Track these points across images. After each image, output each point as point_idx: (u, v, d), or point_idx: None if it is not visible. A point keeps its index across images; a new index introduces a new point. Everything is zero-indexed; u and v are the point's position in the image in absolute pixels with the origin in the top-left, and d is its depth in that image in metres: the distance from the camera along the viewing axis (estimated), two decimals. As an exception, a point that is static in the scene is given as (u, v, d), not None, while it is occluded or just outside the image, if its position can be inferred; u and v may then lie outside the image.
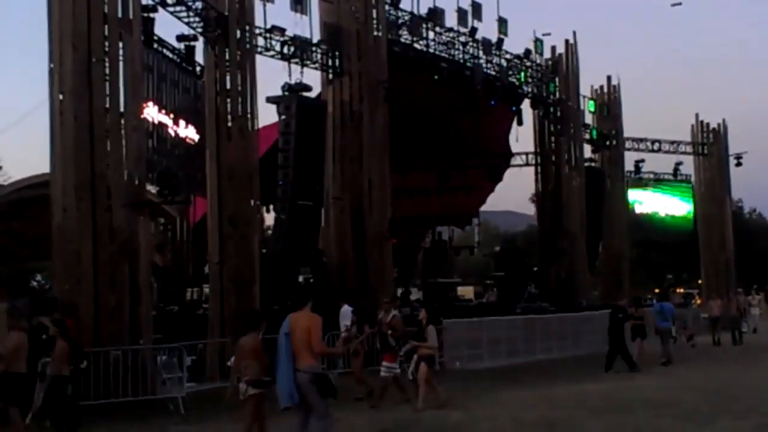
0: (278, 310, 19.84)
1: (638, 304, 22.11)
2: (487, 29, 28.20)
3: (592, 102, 34.33)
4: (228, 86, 18.93)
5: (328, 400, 8.83)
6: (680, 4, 36.84)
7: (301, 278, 23.60)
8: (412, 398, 13.38)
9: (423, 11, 25.82)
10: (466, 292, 35.30)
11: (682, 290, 37.98)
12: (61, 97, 14.63)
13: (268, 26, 21.12)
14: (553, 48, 32.24)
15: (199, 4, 18.57)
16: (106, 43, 14.73)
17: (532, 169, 33.59)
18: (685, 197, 39.28)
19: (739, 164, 38.87)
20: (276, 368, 8.75)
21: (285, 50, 21.51)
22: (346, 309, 17.48)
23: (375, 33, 23.34)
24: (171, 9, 18.25)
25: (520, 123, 30.76)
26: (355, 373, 15.30)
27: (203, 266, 21.95)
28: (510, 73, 29.58)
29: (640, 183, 37.41)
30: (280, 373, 8.67)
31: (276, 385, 8.81)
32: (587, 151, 33.94)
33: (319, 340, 8.83)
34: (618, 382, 16.82)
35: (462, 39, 27.49)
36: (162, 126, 17.89)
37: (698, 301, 39.79)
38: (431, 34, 26.41)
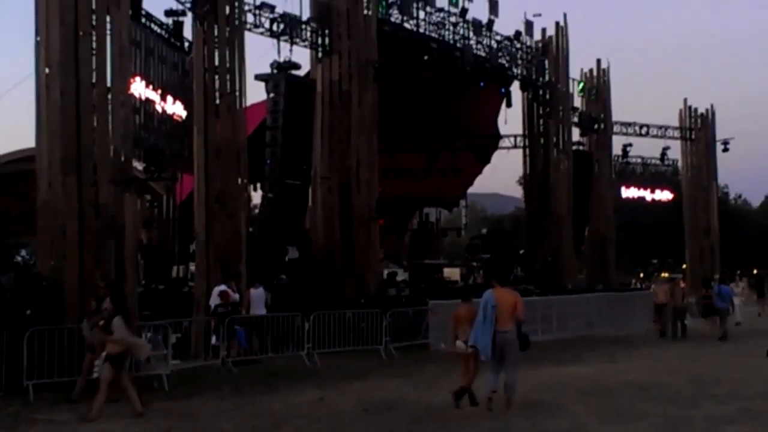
0: (275, 286, 19.91)
1: (708, 286, 24.35)
2: (478, 10, 28.12)
3: (582, 84, 34.24)
4: (216, 63, 18.78)
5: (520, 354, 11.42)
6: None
7: (288, 257, 23.59)
8: (133, 400, 11.49)
9: (414, -10, 25.66)
10: (453, 273, 35.33)
11: (666, 275, 38.08)
12: (47, 70, 14.49)
13: (258, 3, 20.96)
14: (544, 30, 32.16)
15: (188, -21, 18.40)
16: (94, 17, 14.57)
17: (520, 151, 33.55)
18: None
19: (725, 150, 38.98)
20: (476, 330, 11.29)
21: (274, 27, 21.34)
22: (216, 290, 17.06)
23: (365, 12, 23.20)
24: (159, -17, 18.09)
25: (509, 105, 30.67)
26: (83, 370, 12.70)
27: (189, 244, 21.88)
28: (500, 54, 29.49)
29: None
30: (484, 335, 11.17)
31: (477, 343, 11.29)
32: (575, 134, 33.99)
33: (523, 310, 11.43)
34: (601, 365, 16.92)
35: (452, 19, 27.35)
36: (149, 102, 17.74)
37: (683, 285, 40.02)
38: (422, 14, 26.23)
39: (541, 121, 32.18)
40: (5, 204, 24.23)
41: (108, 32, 14.78)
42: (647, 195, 38.66)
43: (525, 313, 11.54)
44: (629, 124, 37.18)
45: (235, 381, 14.62)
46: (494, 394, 11.37)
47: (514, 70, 30.46)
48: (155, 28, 18.62)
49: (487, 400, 11.37)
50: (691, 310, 30.06)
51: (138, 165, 16.87)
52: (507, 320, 11.25)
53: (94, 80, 14.53)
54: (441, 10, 26.87)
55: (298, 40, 21.99)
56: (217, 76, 18.76)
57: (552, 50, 32.18)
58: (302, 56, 22.73)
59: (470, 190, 38.02)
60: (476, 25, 28.11)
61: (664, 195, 39.40)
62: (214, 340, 16.69)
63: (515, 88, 30.96)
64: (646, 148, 38.93)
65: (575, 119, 33.73)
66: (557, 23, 32.39)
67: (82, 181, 14.29)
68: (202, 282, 18.25)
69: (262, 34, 21.27)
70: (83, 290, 14.15)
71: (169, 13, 19.00)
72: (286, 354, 17.14)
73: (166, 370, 14.08)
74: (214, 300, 16.89)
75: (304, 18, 22.21)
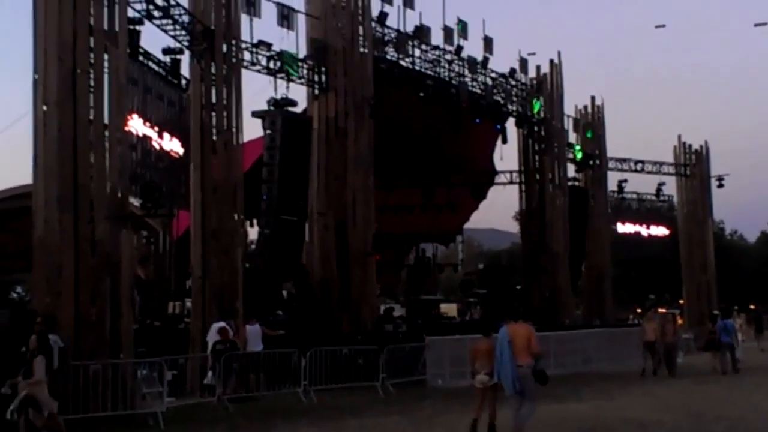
0: (272, 322, 19.87)
1: (714, 321, 24.34)
2: (473, 48, 28.42)
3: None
4: (213, 100, 18.91)
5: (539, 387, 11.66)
6: (664, 26, 37.67)
7: (284, 293, 23.56)
8: None
9: (409, 29, 25.93)
10: (449, 309, 35.24)
11: (663, 310, 37.98)
12: (45, 108, 14.51)
13: (255, 41, 21.18)
14: (538, 68, 32.46)
15: (185, 18, 18.57)
16: (92, 55, 14.66)
17: (516, 187, 33.73)
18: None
19: (720, 186, 39.14)
20: (498, 366, 11.60)
21: (271, 65, 21.52)
22: (214, 326, 16.98)
23: (361, 50, 23.41)
24: (157, 22, 18.23)
25: (504, 141, 30.87)
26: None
27: (186, 280, 21.83)
28: (495, 91, 29.72)
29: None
30: (505, 369, 11.43)
31: (500, 379, 11.61)
32: (571, 170, 34.16)
33: (537, 344, 11.65)
34: (599, 401, 16.82)
35: (448, 57, 27.62)
36: (146, 139, 17.81)
37: (680, 321, 39.96)
38: (417, 52, 26.52)
39: (537, 157, 32.36)
40: (1, 240, 24.22)
41: (106, 70, 14.85)
42: (643, 231, 38.74)
43: (538, 347, 11.74)
44: (624, 160, 37.39)
45: (231, 418, 14.49)
46: None
47: (509, 107, 30.68)
48: (153, 65, 18.76)
49: None
50: (689, 345, 29.97)
51: (135, 201, 16.88)
52: (522, 354, 11.47)
53: (91, 117, 14.56)
54: (436, 48, 27.15)
55: (294, 77, 22.16)
56: (214, 113, 18.86)
57: (546, 87, 32.45)
58: (299, 93, 22.94)
59: (466, 225, 38.09)
60: (471, 62, 28.38)
61: (660, 231, 39.48)
62: (207, 378, 16.52)
63: (510, 124, 31.21)
64: (641, 184, 39.12)
65: (570, 155, 33.92)
66: (551, 61, 32.72)
67: (79, 218, 14.26)
68: (198, 318, 18.18)
69: (258, 71, 21.47)
70: (79, 327, 14.07)
71: (166, 51, 19.16)
72: (283, 391, 17.01)
73: (161, 408, 13.96)
74: (213, 336, 16.78)
75: (301, 56, 22.40)
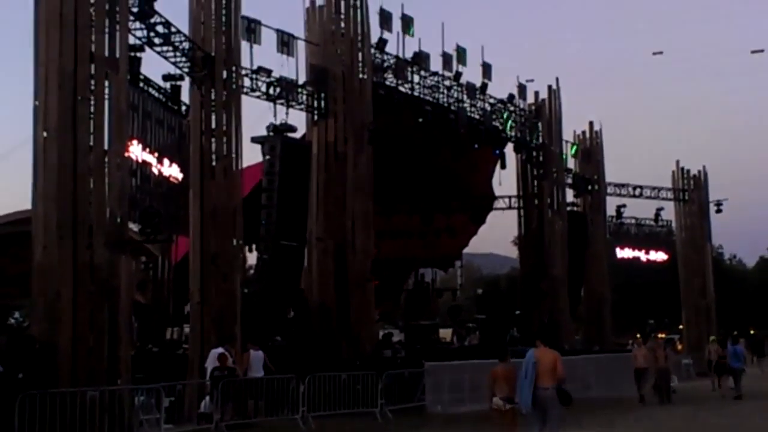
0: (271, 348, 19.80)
1: (724, 346, 24.84)
2: (472, 74, 28.57)
3: (574, 147, 34.64)
4: (213, 126, 19.00)
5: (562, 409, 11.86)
6: (661, 53, 38.06)
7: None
8: None
9: (408, 55, 26.09)
10: (448, 334, 35.11)
11: (663, 335, 37.92)
12: (45, 134, 14.59)
13: (255, 67, 21.28)
14: (537, 93, 32.63)
15: (186, 45, 18.70)
16: (92, 82, 14.74)
17: (515, 212, 33.77)
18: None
19: (719, 211, 39.23)
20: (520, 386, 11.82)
21: (271, 91, 21.63)
22: (213, 352, 16.84)
23: (360, 75, 23.53)
24: (158, 49, 18.35)
25: (503, 166, 30.93)
26: None
27: (184, 305, 21.79)
28: (494, 117, 29.85)
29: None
30: (523, 390, 11.66)
31: (518, 399, 11.83)
32: (570, 195, 34.21)
33: (563, 368, 11.85)
34: (600, 429, 16.75)
35: (446, 83, 27.76)
36: (146, 164, 17.85)
37: (679, 347, 39.88)
38: (416, 78, 26.64)
39: (536, 182, 32.43)
40: (1, 265, 24.18)
41: (106, 96, 14.93)
42: (642, 255, 38.73)
43: (564, 373, 11.90)
44: (623, 185, 37.47)
45: (229, 445, 14.42)
46: None
47: (508, 132, 30.79)
48: (153, 92, 18.85)
49: None
50: (689, 370, 29.84)
51: (134, 227, 16.90)
52: (547, 378, 11.66)
53: (91, 144, 14.62)
54: (435, 73, 27.30)
55: (294, 103, 22.27)
56: (213, 139, 18.95)
57: (545, 113, 32.58)
58: (298, 119, 23.02)
59: (466, 250, 38.07)
60: (470, 88, 28.53)
61: (659, 256, 39.46)
62: (203, 407, 16.40)
63: (509, 149, 31.30)
64: (640, 209, 39.18)
65: (569, 180, 33.98)
66: (549, 87, 32.88)
67: (78, 243, 14.28)
68: (196, 344, 18.15)
69: (258, 97, 21.56)
70: (77, 353, 14.05)
71: (167, 77, 19.27)
72: (281, 417, 16.93)
73: (158, 435, 13.91)
74: (212, 363, 16.69)
75: (300, 82, 22.52)
